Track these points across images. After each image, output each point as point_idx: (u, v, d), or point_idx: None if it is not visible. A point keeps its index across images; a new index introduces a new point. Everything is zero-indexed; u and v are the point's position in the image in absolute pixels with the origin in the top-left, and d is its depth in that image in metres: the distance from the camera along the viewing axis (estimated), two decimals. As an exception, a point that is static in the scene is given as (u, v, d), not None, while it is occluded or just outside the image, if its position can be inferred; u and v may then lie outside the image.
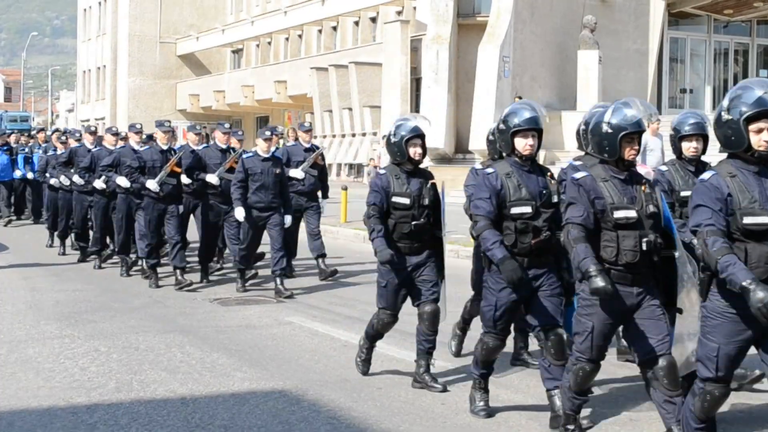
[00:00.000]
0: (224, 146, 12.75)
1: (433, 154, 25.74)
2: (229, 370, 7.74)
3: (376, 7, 40.37)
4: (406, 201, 7.14)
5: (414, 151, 7.13)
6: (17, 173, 20.93)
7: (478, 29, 28.16)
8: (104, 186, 13.13)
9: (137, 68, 53.45)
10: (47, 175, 16.37)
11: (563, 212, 5.66)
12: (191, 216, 12.92)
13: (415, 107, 30.30)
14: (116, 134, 13.98)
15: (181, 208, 12.21)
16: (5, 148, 20.81)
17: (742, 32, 33.80)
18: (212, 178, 12.33)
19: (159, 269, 12.39)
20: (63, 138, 16.46)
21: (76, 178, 14.02)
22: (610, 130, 5.48)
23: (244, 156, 11.58)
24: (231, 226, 12.33)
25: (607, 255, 5.43)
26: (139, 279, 12.80)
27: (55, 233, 16.19)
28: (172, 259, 12.10)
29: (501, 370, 7.78)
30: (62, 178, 14.91)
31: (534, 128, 6.14)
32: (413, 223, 7.13)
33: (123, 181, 12.19)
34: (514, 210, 6.09)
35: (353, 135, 36.19)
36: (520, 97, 26.95)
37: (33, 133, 25.21)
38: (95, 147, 14.32)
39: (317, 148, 13.34)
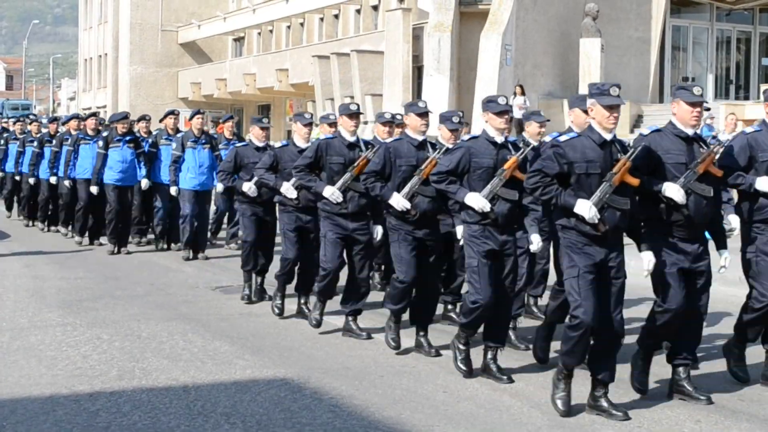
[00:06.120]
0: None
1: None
2: (231, 357, 7.74)
3: (377, -5, 40.35)
4: None
5: None
6: (143, 181, 14.24)
7: (481, 17, 28.08)
8: (338, 198, 8.42)
9: (139, 56, 53.25)
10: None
11: None
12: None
13: (417, 95, 30.22)
14: (334, 123, 9.26)
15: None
16: (129, 138, 14.17)
17: (745, 20, 33.67)
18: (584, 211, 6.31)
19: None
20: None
21: (285, 190, 9.22)
22: None
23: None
24: None
25: None
26: (141, 266, 12.79)
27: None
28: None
29: (501, 359, 7.79)
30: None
31: None
32: None
33: (399, 202, 7.72)
34: None
35: (355, 123, 35.99)
36: (521, 86, 26.91)
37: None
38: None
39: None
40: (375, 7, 41.19)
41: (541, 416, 6.27)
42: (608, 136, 6.24)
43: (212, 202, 14.55)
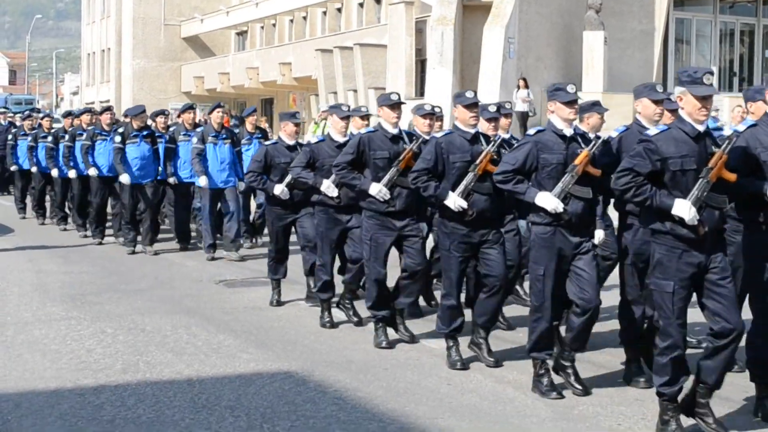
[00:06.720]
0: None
1: (438, 135, 25.59)
2: (235, 351, 7.75)
3: (380, -11, 40.34)
4: None
5: None
6: (171, 180, 13.71)
7: (483, 10, 28.04)
8: (386, 196, 7.88)
9: (141, 51, 53.26)
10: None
11: None
12: None
13: (420, 89, 30.21)
14: (367, 116, 9.42)
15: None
16: (145, 133, 13.63)
17: (748, 13, 33.61)
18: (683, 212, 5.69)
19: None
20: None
21: (326, 188, 8.64)
22: None
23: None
24: None
25: None
26: (144, 260, 12.80)
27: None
28: None
29: (507, 352, 7.78)
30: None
31: None
32: None
33: (456, 201, 7.08)
34: None
35: (357, 117, 35.96)
36: (524, 79, 26.89)
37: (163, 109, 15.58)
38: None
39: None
40: (378, 1, 41.17)
41: (544, 408, 6.27)
42: (701, 128, 5.61)
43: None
